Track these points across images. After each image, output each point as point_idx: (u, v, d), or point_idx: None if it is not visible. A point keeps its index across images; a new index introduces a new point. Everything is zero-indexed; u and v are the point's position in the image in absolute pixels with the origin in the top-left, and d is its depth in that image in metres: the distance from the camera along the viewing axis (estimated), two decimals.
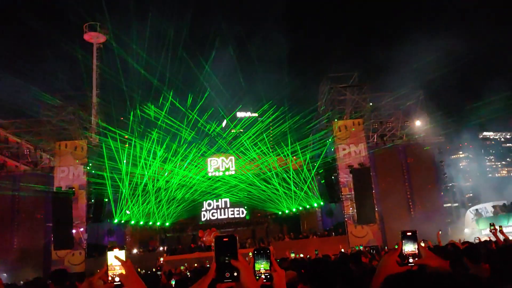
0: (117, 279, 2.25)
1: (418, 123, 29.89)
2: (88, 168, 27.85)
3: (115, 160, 29.31)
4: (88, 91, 31.07)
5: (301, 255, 14.76)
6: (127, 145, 29.93)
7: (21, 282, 10.97)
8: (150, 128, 30.04)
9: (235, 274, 1.61)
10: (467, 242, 9.53)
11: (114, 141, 29.03)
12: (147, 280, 2.40)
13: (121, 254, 2.27)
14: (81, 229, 26.61)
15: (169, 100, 30.17)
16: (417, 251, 2.18)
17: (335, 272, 3.09)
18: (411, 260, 2.16)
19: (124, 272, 2.19)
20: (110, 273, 2.28)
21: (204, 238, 27.13)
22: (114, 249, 2.28)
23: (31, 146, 29.66)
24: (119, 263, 2.22)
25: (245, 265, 1.63)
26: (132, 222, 30.41)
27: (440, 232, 11.96)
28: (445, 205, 30.19)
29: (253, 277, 1.64)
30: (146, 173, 30.50)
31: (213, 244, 1.65)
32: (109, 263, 2.28)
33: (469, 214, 30.60)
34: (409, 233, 2.21)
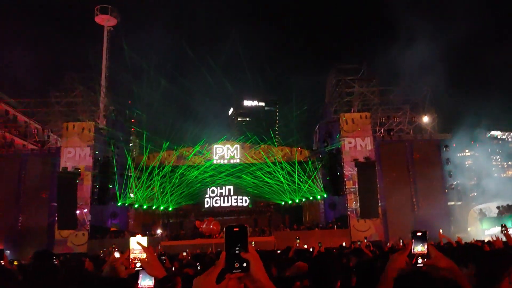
0: (138, 264, 2.30)
1: (425, 119, 29.73)
2: (96, 152, 27.96)
3: (121, 145, 29.43)
4: (97, 74, 31.10)
5: (305, 246, 14.79)
6: (134, 129, 30.05)
7: (21, 262, 11.01)
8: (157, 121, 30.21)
9: (245, 264, 1.61)
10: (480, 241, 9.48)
11: (121, 126, 29.14)
12: None
13: (144, 240, 2.33)
14: (85, 210, 26.82)
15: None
16: (426, 252, 2.18)
17: (335, 267, 3.06)
18: (420, 260, 2.16)
19: (145, 257, 2.24)
20: (131, 257, 2.34)
21: (203, 227, 27.19)
22: (137, 235, 2.34)
23: (39, 126, 29.84)
24: (141, 248, 2.28)
25: (256, 256, 1.64)
26: (136, 205, 30.61)
27: (441, 231, 11.91)
28: (449, 203, 30.10)
29: (263, 268, 1.65)
30: (152, 159, 30.62)
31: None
32: (131, 248, 2.34)
33: (473, 213, 30.50)
34: (419, 233, 2.21)
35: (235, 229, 1.66)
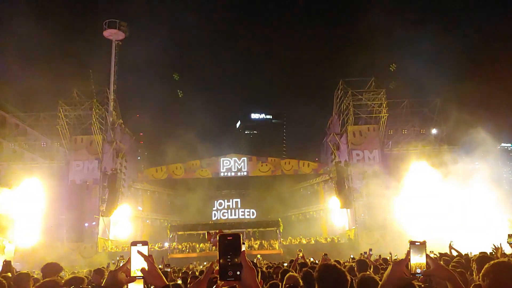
0: (139, 273, 2.30)
1: (434, 131, 29.56)
2: (104, 166, 28.09)
3: (130, 157, 29.55)
4: (105, 87, 31.37)
5: (311, 259, 14.67)
6: (142, 142, 30.24)
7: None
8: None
9: (238, 273, 1.63)
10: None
11: (129, 139, 29.29)
12: None
13: (144, 249, 2.32)
14: (94, 223, 26.89)
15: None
16: (425, 262, 2.16)
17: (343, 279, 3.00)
18: (418, 270, 2.14)
19: (146, 266, 2.24)
20: (132, 267, 2.33)
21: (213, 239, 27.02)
22: (138, 244, 2.32)
23: (48, 139, 30.10)
24: (142, 258, 2.27)
25: (249, 265, 1.65)
26: (144, 218, 30.62)
27: (451, 242, 11.73)
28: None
29: (255, 277, 1.65)
30: (160, 172, 30.71)
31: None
32: (132, 257, 2.33)
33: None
34: (417, 243, 2.19)
35: (228, 238, 1.67)
